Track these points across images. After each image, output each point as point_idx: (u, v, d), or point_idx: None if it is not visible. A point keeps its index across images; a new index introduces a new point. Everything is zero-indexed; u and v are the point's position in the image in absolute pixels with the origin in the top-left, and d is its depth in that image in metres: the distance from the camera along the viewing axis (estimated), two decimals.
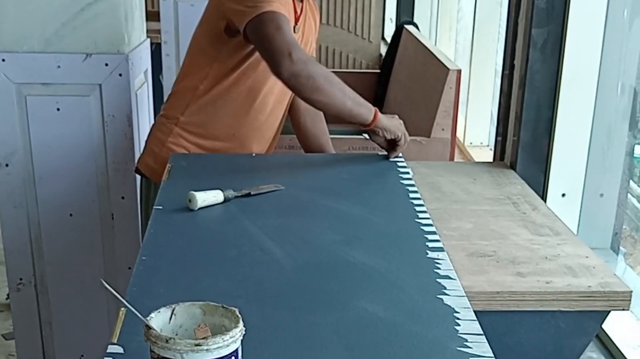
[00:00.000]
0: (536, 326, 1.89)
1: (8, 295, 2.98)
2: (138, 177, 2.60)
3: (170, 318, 1.13)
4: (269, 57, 2.12)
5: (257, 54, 2.25)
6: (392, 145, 2.26)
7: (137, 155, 2.72)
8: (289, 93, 2.46)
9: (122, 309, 1.34)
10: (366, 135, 2.37)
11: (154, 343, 1.05)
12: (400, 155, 2.31)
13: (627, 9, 2.51)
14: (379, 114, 2.21)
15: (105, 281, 1.11)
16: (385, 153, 2.28)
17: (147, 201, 2.42)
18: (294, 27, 2.36)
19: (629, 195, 2.72)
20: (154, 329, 1.06)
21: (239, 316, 1.10)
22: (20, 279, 2.87)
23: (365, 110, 2.18)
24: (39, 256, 2.85)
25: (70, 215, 2.79)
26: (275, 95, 2.40)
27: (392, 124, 2.23)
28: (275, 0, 2.15)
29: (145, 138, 2.52)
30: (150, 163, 2.42)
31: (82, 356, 2.97)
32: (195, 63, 2.39)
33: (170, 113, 2.42)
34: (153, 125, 2.51)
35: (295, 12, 2.36)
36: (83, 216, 2.81)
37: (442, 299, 1.48)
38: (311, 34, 2.49)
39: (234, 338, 1.06)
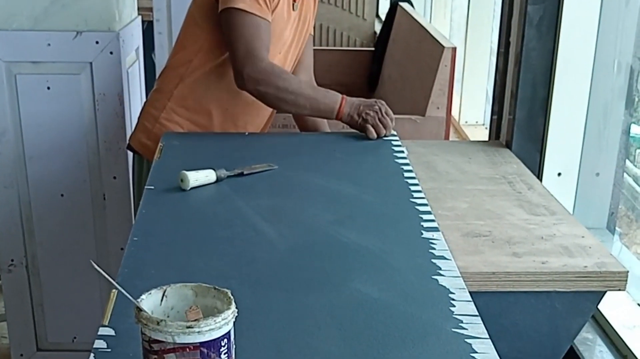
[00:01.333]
0: (532, 307, 1.88)
1: (0, 276, 2.96)
2: (130, 155, 2.57)
3: (162, 300, 1.11)
4: (231, 63, 2.23)
5: None
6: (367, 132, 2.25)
7: (129, 134, 2.70)
8: (291, 65, 2.46)
9: (114, 290, 1.32)
10: None
11: (144, 325, 1.03)
12: (395, 133, 2.29)
13: None
14: (344, 106, 2.24)
15: (96, 263, 1.08)
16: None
17: (140, 179, 2.40)
18: (293, 4, 2.34)
19: (625, 175, 2.71)
20: (145, 312, 1.05)
21: (231, 297, 1.08)
22: (12, 260, 2.86)
23: (326, 108, 2.25)
24: (30, 237, 2.83)
25: (62, 195, 2.77)
26: None
27: (359, 111, 2.24)
28: None
29: (138, 115, 2.49)
30: (143, 139, 2.40)
31: (75, 338, 2.96)
32: (189, 37, 2.37)
33: (163, 87, 2.40)
34: (146, 101, 2.49)
35: None
36: (74, 196, 2.79)
37: (437, 280, 1.46)
38: (309, 12, 2.48)
39: (226, 320, 1.04)
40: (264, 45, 2.21)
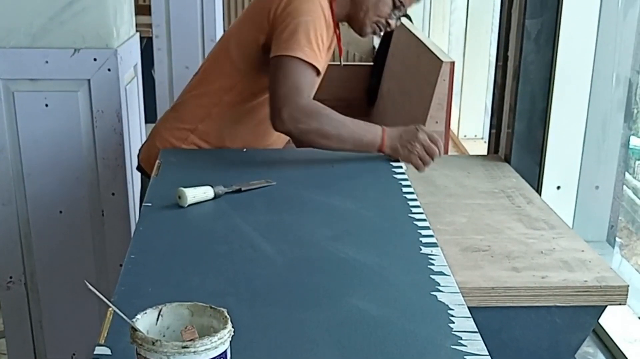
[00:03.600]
0: (532, 322, 1.87)
1: None
2: (129, 171, 2.56)
3: (157, 319, 1.10)
4: (270, 105, 2.14)
5: None
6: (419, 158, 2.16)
7: (127, 151, 2.69)
8: None
9: (110, 309, 1.32)
10: None
11: (140, 346, 1.03)
12: None
13: None
14: (386, 139, 2.15)
15: (94, 281, 1.08)
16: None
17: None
18: (341, 59, 2.37)
19: (625, 187, 2.70)
20: (140, 332, 1.04)
21: (228, 316, 1.07)
22: (10, 277, 2.84)
23: (369, 142, 2.15)
24: (28, 254, 2.82)
25: (60, 212, 2.76)
26: None
27: (402, 141, 2.15)
28: (312, 45, 2.12)
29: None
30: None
31: (74, 354, 2.94)
32: (222, 73, 2.33)
33: (186, 118, 2.37)
34: (160, 122, 2.46)
35: (338, 39, 2.37)
36: (73, 213, 2.77)
37: (436, 296, 1.46)
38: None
39: (222, 340, 1.03)
40: (309, 88, 2.15)
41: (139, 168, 2.49)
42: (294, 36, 2.12)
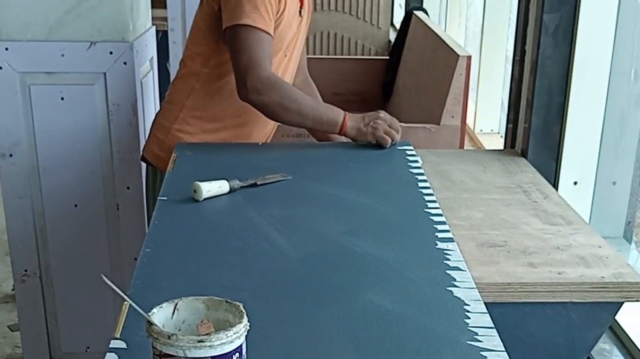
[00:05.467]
0: (548, 318, 1.86)
1: (14, 286, 2.96)
2: (144, 165, 2.57)
3: (173, 313, 1.10)
4: (235, 77, 2.21)
5: None
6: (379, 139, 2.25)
7: (143, 145, 2.70)
8: (293, 74, 2.47)
9: (125, 302, 1.32)
10: None
11: (155, 339, 1.02)
12: (409, 142, 2.28)
13: None
14: (348, 121, 2.23)
15: (109, 274, 1.08)
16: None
17: (154, 190, 2.40)
18: (300, 11, 2.35)
19: None
20: (156, 325, 1.04)
21: (243, 311, 1.07)
22: (25, 270, 2.85)
23: (330, 120, 2.24)
24: (43, 248, 2.83)
25: (75, 205, 2.77)
26: (280, 71, 2.38)
27: (364, 122, 2.24)
28: (259, 9, 2.17)
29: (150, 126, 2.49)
30: (156, 150, 2.40)
31: (88, 348, 2.95)
32: (197, 47, 2.37)
33: (174, 98, 2.40)
34: (158, 112, 2.49)
35: None
36: (88, 206, 2.78)
37: (451, 291, 1.45)
38: (309, 14, 2.50)
39: (237, 334, 1.03)
40: (267, 57, 2.21)
41: (142, 158, 2.50)
42: (239, 4, 2.17)
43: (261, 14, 2.18)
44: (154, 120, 2.47)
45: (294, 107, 2.21)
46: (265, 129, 2.45)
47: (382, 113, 2.27)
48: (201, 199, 1.82)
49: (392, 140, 2.24)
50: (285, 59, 2.39)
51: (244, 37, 2.17)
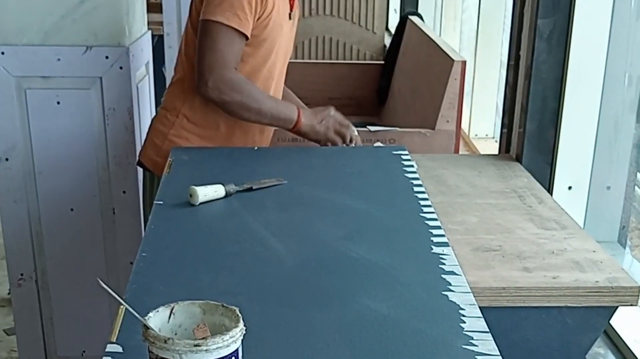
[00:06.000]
0: (543, 322, 1.86)
1: (9, 290, 2.96)
2: (140, 170, 2.57)
3: (169, 317, 1.10)
4: (196, 70, 2.23)
5: (251, 39, 2.26)
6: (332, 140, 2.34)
7: (139, 149, 2.70)
8: (283, 77, 2.48)
9: (122, 306, 1.32)
10: (370, 127, 2.36)
11: (152, 343, 1.03)
12: (404, 147, 2.29)
13: None
14: (301, 117, 2.30)
15: (105, 278, 1.08)
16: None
17: (151, 195, 2.40)
18: (290, 14, 2.36)
19: (636, 188, 2.69)
20: (152, 329, 1.04)
21: (239, 315, 1.07)
22: (21, 274, 2.86)
23: (286, 117, 2.30)
24: (39, 252, 2.83)
25: (71, 209, 2.77)
26: (275, 79, 2.39)
27: (317, 119, 2.32)
28: (235, 7, 2.18)
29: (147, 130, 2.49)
30: (153, 156, 2.40)
31: (84, 351, 2.95)
32: (189, 52, 2.37)
33: (170, 105, 2.40)
34: (154, 117, 2.49)
35: None
36: (84, 211, 2.79)
37: (447, 295, 1.46)
38: (297, 18, 2.53)
39: (234, 338, 1.03)
40: (234, 57, 2.23)
41: (138, 163, 2.50)
42: (221, 1, 2.19)
43: (237, 13, 2.19)
44: (151, 125, 2.47)
45: (254, 107, 2.26)
46: (262, 135, 2.45)
47: (332, 111, 2.34)
48: (197, 203, 1.83)
49: (344, 139, 2.33)
50: (279, 62, 2.41)
51: (215, 35, 2.19)
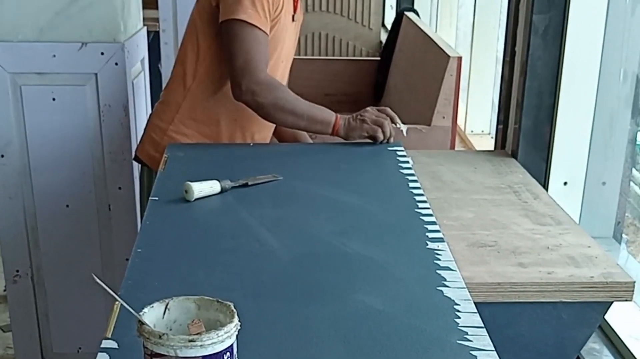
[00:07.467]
0: (538, 318, 1.87)
1: (5, 287, 2.96)
2: (136, 165, 2.56)
3: (164, 313, 1.10)
4: (229, 76, 2.22)
5: None
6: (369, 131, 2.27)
7: (134, 145, 2.70)
8: (287, 77, 2.46)
9: (117, 303, 1.32)
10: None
11: (147, 339, 1.03)
12: (400, 143, 2.28)
13: None
14: (339, 120, 2.25)
15: (100, 275, 1.08)
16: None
17: (148, 190, 2.39)
18: (293, 16, 2.35)
19: (631, 183, 2.70)
20: (147, 325, 1.04)
21: (234, 311, 1.07)
22: (17, 271, 2.85)
23: (323, 120, 2.25)
24: (35, 248, 2.83)
25: (67, 206, 2.77)
26: (277, 76, 2.38)
27: (355, 119, 2.26)
28: (256, 5, 2.17)
29: (143, 126, 2.49)
30: (151, 151, 2.40)
31: (80, 348, 2.95)
32: (193, 46, 2.36)
33: (170, 99, 2.39)
34: (152, 112, 2.48)
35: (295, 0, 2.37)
36: (79, 207, 2.78)
37: (442, 291, 1.46)
38: (302, 20, 2.51)
39: (228, 334, 1.03)
40: (263, 57, 2.21)
41: (135, 158, 2.50)
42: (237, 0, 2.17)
43: (257, 11, 2.17)
44: (149, 120, 2.46)
45: (288, 108, 2.22)
46: (263, 132, 2.44)
47: (370, 107, 2.30)
48: (192, 199, 1.83)
49: (383, 129, 2.25)
50: (282, 64, 2.40)
51: (240, 35, 2.17)
